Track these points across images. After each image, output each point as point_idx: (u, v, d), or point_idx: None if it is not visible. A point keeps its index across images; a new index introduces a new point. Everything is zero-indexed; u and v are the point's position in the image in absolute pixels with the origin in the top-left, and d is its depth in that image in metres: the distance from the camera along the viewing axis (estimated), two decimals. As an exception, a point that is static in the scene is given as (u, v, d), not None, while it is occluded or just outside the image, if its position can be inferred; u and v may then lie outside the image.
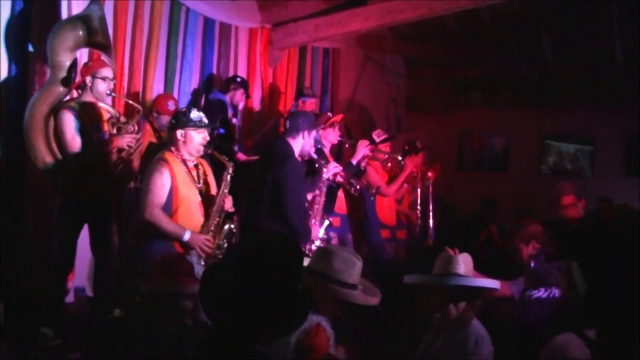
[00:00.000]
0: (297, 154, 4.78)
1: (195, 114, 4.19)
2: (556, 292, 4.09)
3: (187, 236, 4.03)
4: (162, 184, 4.03)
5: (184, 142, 4.15)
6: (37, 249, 4.84)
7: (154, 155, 4.75)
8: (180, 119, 4.16)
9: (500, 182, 10.16)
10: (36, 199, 4.84)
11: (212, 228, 4.24)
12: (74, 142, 4.42)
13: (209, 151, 4.31)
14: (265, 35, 7.24)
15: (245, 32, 7.15)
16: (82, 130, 4.46)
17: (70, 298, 5.09)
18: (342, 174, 5.17)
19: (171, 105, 5.50)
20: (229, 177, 4.30)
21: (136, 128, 4.66)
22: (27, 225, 4.85)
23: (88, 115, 4.52)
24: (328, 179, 5.02)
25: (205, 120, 4.24)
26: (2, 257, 4.59)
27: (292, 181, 4.55)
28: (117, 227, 4.89)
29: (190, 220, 4.14)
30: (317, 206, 5.06)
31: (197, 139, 4.16)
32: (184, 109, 4.30)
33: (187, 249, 4.05)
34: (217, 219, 4.27)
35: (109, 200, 4.72)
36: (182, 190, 4.11)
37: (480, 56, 9.50)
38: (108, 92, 4.62)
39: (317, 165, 4.92)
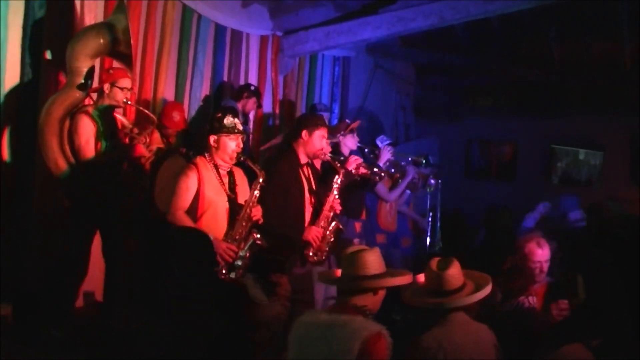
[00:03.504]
0: (302, 155, 4.73)
1: (228, 120, 4.12)
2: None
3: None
4: (187, 187, 4.05)
5: (217, 148, 4.12)
6: (44, 250, 4.87)
7: (162, 161, 4.81)
8: (214, 125, 4.12)
9: (509, 190, 10.11)
10: (44, 200, 4.87)
11: (237, 237, 4.15)
12: (88, 146, 4.45)
13: (242, 159, 4.23)
14: (276, 43, 7.26)
15: (256, 39, 7.17)
16: (97, 136, 4.49)
17: (79, 302, 5.12)
18: (364, 164, 5.12)
19: (176, 116, 5.46)
20: (259, 186, 4.22)
21: (148, 140, 4.68)
22: (33, 226, 4.89)
23: (105, 122, 4.55)
24: (351, 172, 4.95)
25: (240, 127, 4.18)
26: (8, 258, 4.63)
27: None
28: (128, 233, 4.93)
29: (215, 226, 4.10)
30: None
31: (230, 145, 4.13)
32: (219, 115, 4.20)
33: None
34: (243, 228, 4.18)
35: (119, 206, 4.73)
36: (208, 195, 4.09)
37: (488, 62, 9.48)
38: (125, 100, 4.64)
39: (336, 163, 4.82)
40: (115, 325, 4.69)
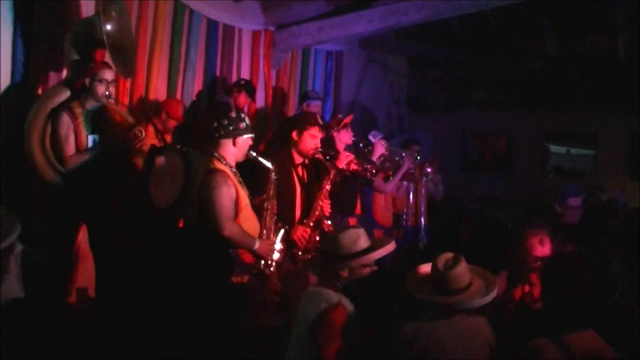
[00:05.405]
0: (296, 156, 4.72)
1: (247, 120, 4.13)
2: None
3: (257, 244, 4.07)
4: (231, 197, 3.96)
5: (237, 149, 4.09)
6: (43, 250, 4.85)
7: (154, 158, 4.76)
8: (238, 127, 4.05)
9: (504, 182, 10.15)
10: (43, 200, 4.82)
11: (270, 232, 4.26)
12: (67, 144, 4.41)
13: (253, 156, 4.22)
14: (268, 38, 7.23)
15: (248, 34, 7.14)
16: (80, 132, 4.45)
17: (72, 298, 5.12)
18: (355, 161, 5.13)
19: (182, 111, 5.54)
20: (274, 180, 4.29)
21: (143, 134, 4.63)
22: (33, 226, 4.87)
23: (92, 118, 4.51)
24: (342, 170, 4.98)
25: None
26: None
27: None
28: (118, 227, 4.91)
29: (250, 225, 4.12)
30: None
31: (247, 144, 4.13)
32: (236, 116, 4.16)
33: (255, 256, 4.12)
34: (271, 222, 4.27)
35: (109, 200, 4.67)
36: (242, 198, 4.06)
37: (483, 55, 9.49)
38: (107, 94, 4.50)
39: (327, 161, 4.80)
40: (110, 323, 4.69)
